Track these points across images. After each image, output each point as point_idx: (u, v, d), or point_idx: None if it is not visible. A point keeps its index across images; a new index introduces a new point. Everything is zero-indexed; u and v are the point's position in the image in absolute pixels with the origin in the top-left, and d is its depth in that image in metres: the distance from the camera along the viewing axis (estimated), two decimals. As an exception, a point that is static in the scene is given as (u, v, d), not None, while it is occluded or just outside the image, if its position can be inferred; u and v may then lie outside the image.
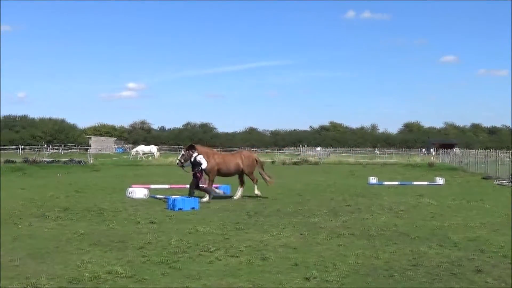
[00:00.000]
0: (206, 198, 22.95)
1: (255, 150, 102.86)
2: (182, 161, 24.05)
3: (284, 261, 11.70)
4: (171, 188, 28.42)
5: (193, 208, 20.30)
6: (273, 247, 13.12)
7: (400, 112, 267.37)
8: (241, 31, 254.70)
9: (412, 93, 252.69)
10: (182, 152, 24.40)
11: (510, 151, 50.00)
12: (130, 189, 24.66)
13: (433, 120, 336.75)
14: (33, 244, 13.29)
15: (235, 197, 24.44)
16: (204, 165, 23.68)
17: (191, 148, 24.08)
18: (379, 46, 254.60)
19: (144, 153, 76.29)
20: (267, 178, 26.06)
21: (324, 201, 23.41)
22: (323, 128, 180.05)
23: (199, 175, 23.64)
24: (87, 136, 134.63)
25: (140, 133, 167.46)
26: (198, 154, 23.69)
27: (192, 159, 23.61)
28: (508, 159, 44.60)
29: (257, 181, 25.76)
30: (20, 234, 14.71)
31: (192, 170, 23.68)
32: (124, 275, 10.22)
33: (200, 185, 23.63)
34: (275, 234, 14.94)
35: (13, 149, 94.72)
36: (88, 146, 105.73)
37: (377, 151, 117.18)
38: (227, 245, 13.27)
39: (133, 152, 78.37)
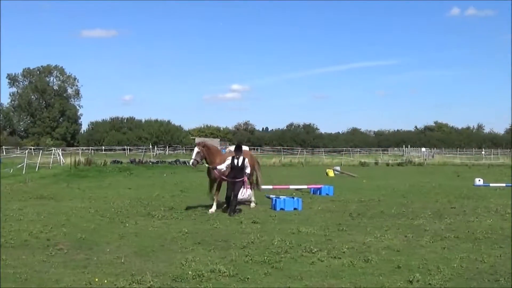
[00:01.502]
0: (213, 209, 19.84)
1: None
2: (199, 160, 20.40)
3: (386, 263, 11.61)
4: (274, 188, 28.50)
5: (295, 208, 20.35)
6: (375, 249, 13.03)
7: (507, 111, 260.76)
8: (347, 32, 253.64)
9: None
10: (197, 149, 20.49)
11: None
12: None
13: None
14: (138, 242, 13.61)
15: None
16: (248, 170, 20.27)
17: (239, 149, 20.06)
18: (484, 43, 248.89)
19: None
20: (261, 180, 23.32)
21: (429, 203, 23.08)
22: (427, 128, 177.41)
23: (244, 182, 19.90)
24: (192, 137, 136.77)
25: (244, 134, 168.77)
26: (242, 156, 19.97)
27: (239, 163, 19.76)
28: None
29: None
30: (127, 232, 15.09)
31: (232, 176, 19.77)
32: (227, 274, 10.34)
33: (240, 196, 19.76)
34: (378, 236, 14.82)
35: (120, 150, 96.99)
36: (193, 147, 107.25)
37: (483, 152, 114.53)
38: (330, 246, 13.25)
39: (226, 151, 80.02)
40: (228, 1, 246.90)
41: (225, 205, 20.20)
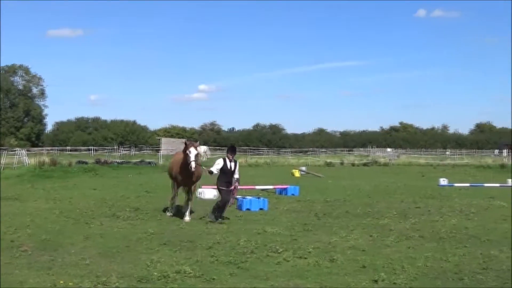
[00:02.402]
0: (188, 218, 17.82)
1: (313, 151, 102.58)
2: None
3: (352, 263, 11.67)
4: (240, 189, 28.42)
5: (261, 209, 20.37)
6: (341, 249, 13.09)
7: (471, 112, 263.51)
8: (314, 32, 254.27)
9: (484, 92, 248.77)
10: (194, 150, 17.68)
11: None
12: (199, 190, 24.82)
13: (505, 120, 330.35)
14: (104, 243, 13.53)
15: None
16: (238, 175, 18.13)
17: (234, 150, 18.36)
18: (450, 45, 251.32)
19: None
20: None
21: (394, 203, 23.25)
22: (393, 129, 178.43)
23: (234, 190, 18.04)
24: (158, 138, 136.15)
25: (210, 135, 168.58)
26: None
27: (232, 166, 17.82)
28: None
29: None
30: (92, 233, 14.99)
31: (225, 180, 17.74)
32: (193, 275, 10.33)
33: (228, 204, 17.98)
34: (344, 235, 14.90)
35: (85, 150, 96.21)
36: (158, 147, 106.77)
37: (447, 152, 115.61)
38: (295, 246, 13.29)
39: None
40: (195, 1, 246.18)
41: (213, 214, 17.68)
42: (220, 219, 17.38)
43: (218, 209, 17.61)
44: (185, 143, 18.24)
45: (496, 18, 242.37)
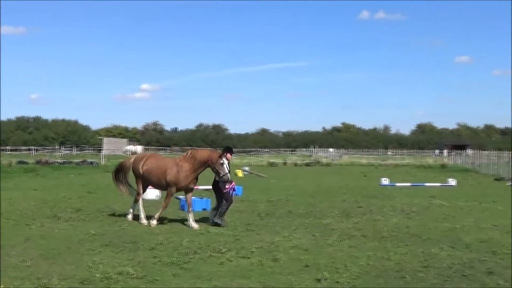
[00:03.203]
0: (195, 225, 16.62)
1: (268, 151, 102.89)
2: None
3: (295, 262, 11.70)
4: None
5: (204, 209, 20.30)
6: (284, 249, 13.12)
7: (413, 113, 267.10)
8: (259, 32, 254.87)
9: (425, 93, 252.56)
10: (225, 161, 17.08)
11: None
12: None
13: (446, 121, 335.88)
14: (45, 245, 13.33)
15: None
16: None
17: (231, 151, 18.02)
18: (393, 47, 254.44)
19: (131, 152, 78.68)
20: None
21: (336, 203, 23.39)
22: (335, 129, 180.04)
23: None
24: (100, 138, 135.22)
25: (152, 135, 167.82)
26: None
27: (228, 167, 17.27)
28: (521, 160, 44.42)
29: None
30: (32, 234, 14.75)
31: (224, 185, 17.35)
32: (135, 276, 10.25)
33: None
34: (287, 235, 14.94)
35: (26, 150, 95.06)
36: (100, 147, 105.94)
37: (389, 152, 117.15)
38: (238, 246, 13.28)
39: (123, 150, 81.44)
40: (139, 0, 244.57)
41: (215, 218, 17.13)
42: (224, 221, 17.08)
43: (226, 211, 17.35)
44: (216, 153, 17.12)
45: (439, 20, 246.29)
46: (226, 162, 16.93)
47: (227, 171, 16.83)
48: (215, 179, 17.48)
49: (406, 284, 10.11)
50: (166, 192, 17.56)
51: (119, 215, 18.65)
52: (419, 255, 12.59)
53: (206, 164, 16.86)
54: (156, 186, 18.37)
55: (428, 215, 19.70)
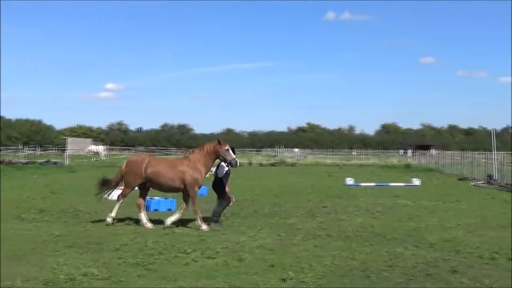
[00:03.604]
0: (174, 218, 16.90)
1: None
2: None
3: (260, 262, 11.70)
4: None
5: (169, 209, 20.25)
6: (249, 249, 13.12)
7: (377, 113, 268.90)
8: (225, 32, 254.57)
9: (390, 94, 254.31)
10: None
11: (486, 153, 50.39)
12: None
13: (410, 121, 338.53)
14: (8, 246, 13.16)
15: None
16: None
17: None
18: (358, 48, 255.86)
19: (93, 152, 78.87)
20: None
21: (301, 203, 23.46)
22: (300, 129, 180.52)
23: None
24: (64, 138, 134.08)
25: (117, 134, 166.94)
26: None
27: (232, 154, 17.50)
28: (484, 160, 44.97)
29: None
30: (-5, 236, 14.59)
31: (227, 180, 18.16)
32: (100, 277, 10.17)
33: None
34: (252, 235, 14.94)
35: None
36: (64, 147, 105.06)
37: (354, 152, 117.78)
38: (204, 247, 13.25)
39: (85, 150, 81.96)
40: (104, 1, 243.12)
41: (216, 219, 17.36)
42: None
43: (223, 211, 17.75)
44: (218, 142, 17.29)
45: (404, 21, 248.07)
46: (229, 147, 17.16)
47: (234, 156, 17.18)
48: (215, 179, 17.67)
49: (371, 283, 10.16)
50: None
51: (83, 216, 18.53)
52: (384, 255, 12.67)
53: (216, 154, 17.11)
54: (163, 188, 17.49)
55: (393, 215, 19.84)
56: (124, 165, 17.53)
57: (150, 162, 17.12)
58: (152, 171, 16.90)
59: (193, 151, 18.00)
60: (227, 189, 17.71)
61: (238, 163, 17.34)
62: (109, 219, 16.81)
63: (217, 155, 17.13)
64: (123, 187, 17.58)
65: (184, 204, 17.04)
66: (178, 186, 16.97)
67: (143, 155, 18.96)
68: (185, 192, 17.06)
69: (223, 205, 17.46)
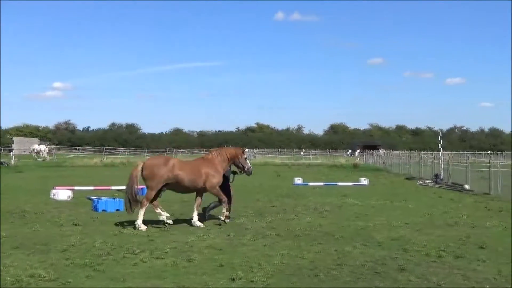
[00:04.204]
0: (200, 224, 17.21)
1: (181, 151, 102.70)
2: None
3: (209, 262, 11.69)
4: (95, 189, 28.07)
5: (117, 210, 20.11)
6: (198, 249, 13.10)
7: (326, 113, 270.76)
8: (173, 31, 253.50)
9: (338, 94, 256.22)
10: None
11: (433, 152, 51.05)
12: (53, 191, 24.27)
13: (358, 121, 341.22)
14: (-48, 248, 12.97)
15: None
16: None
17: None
18: (308, 48, 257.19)
19: (36, 152, 78.86)
20: None
21: (250, 202, 23.49)
22: (249, 129, 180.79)
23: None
24: (10, 137, 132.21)
25: (64, 134, 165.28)
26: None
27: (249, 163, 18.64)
28: (431, 160, 45.51)
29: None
30: None
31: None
32: (47, 279, 10.06)
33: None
34: (201, 235, 14.92)
35: None
36: (11, 147, 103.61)
37: (302, 152, 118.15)
38: (152, 247, 13.19)
39: (29, 150, 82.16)
40: (52, 1, 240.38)
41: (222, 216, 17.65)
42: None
43: (215, 208, 18.65)
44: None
45: (353, 22, 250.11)
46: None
47: (250, 165, 18.30)
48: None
49: (319, 282, 10.21)
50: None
51: (30, 217, 18.30)
52: (333, 253, 12.75)
53: (233, 160, 18.09)
54: (187, 190, 17.69)
55: (341, 214, 19.97)
56: (140, 169, 17.19)
57: (176, 165, 17.10)
58: (179, 174, 16.97)
59: (209, 152, 18.38)
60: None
61: (252, 171, 18.40)
62: (142, 227, 16.26)
63: (235, 161, 18.07)
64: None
65: (199, 199, 17.71)
66: (200, 187, 17.40)
67: (163, 157, 19.52)
68: (201, 192, 17.71)
69: (220, 203, 18.06)
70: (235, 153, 18.04)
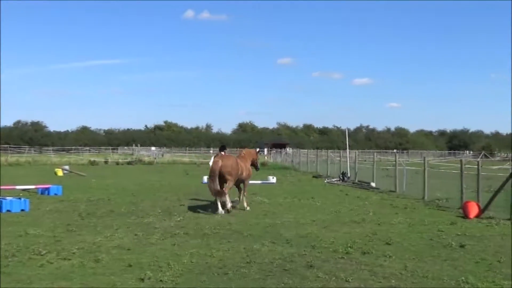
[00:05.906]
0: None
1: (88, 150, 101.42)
2: None
3: (117, 262, 11.58)
4: (-1, 189, 27.43)
5: (22, 210, 19.71)
6: (106, 249, 12.96)
7: (234, 112, 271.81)
8: (83, 28, 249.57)
9: (247, 93, 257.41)
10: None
11: (340, 151, 51.80)
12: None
13: (266, 120, 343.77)
14: None
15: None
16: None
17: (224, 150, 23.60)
18: (217, 47, 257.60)
19: None
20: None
21: (158, 201, 23.38)
22: (157, 128, 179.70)
23: None
24: None
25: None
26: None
27: None
28: (338, 158, 46.18)
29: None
30: None
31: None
32: None
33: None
34: (109, 235, 14.76)
35: None
36: None
37: (211, 151, 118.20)
38: (59, 248, 12.97)
39: None
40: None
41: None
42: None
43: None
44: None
45: (263, 22, 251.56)
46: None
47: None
48: None
49: (229, 280, 10.23)
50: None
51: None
52: (241, 251, 12.80)
53: (253, 159, 23.07)
54: (239, 181, 21.59)
55: (250, 212, 20.10)
56: (220, 165, 20.34)
57: (238, 161, 21.22)
58: (242, 168, 21.23)
59: (242, 151, 23.89)
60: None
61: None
62: (229, 205, 20.25)
63: (253, 160, 22.99)
64: None
65: (238, 190, 22.18)
66: (243, 179, 21.72)
67: (229, 156, 22.11)
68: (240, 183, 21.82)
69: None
70: (256, 154, 23.35)
